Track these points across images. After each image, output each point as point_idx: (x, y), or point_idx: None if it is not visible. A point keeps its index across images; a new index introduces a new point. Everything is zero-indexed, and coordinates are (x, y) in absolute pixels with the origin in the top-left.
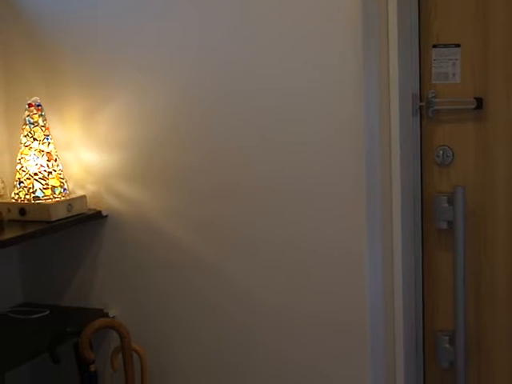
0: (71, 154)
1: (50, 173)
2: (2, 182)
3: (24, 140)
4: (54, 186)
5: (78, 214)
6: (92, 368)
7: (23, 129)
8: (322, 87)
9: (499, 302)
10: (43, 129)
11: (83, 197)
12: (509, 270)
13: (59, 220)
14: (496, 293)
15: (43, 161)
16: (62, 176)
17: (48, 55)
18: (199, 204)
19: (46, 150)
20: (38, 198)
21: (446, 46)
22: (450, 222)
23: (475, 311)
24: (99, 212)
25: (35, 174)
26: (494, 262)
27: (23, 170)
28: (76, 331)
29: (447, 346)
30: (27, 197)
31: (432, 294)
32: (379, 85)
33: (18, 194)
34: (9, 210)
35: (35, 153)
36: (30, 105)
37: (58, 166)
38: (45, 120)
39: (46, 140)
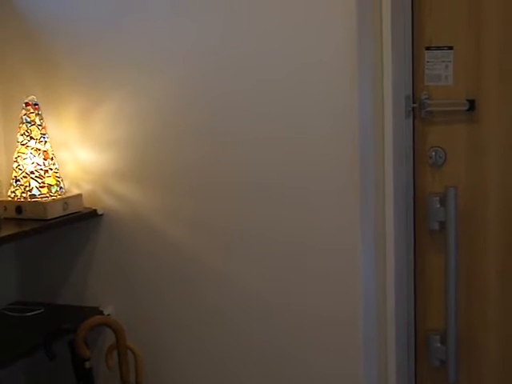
0: (67, 152)
1: (46, 171)
2: None
3: (21, 138)
4: (51, 185)
5: (73, 213)
6: (87, 365)
7: (20, 127)
8: (315, 85)
9: (490, 302)
10: (40, 127)
11: (79, 195)
12: (500, 270)
13: (55, 218)
14: (487, 293)
15: (40, 159)
16: (58, 174)
17: (44, 55)
18: (194, 202)
19: (43, 148)
20: (34, 196)
21: (438, 48)
22: (442, 222)
23: (466, 311)
24: (94, 211)
25: (32, 172)
26: (485, 262)
27: (20, 169)
28: (72, 328)
29: (438, 345)
30: (23, 195)
31: (424, 293)
32: (373, 86)
33: (14, 192)
34: (5, 208)
35: (32, 151)
36: (27, 104)
37: (54, 164)
38: (41, 119)
39: (42, 139)
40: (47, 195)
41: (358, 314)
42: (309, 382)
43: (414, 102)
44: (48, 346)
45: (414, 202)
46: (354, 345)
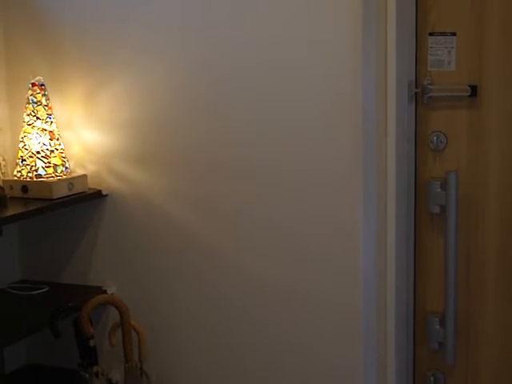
0: (72, 133)
1: (52, 151)
2: (4, 159)
3: (27, 119)
4: (56, 165)
5: (78, 193)
6: (91, 343)
7: (26, 108)
8: (318, 69)
9: (489, 285)
10: (46, 108)
11: (84, 176)
12: (499, 254)
13: (60, 198)
14: (486, 276)
15: (46, 139)
16: (63, 155)
17: (51, 36)
18: (198, 183)
19: (49, 128)
20: (40, 176)
21: (442, 34)
22: (443, 206)
23: (465, 294)
24: (99, 191)
25: (38, 152)
26: (484, 245)
27: (26, 149)
28: (76, 306)
29: (437, 327)
30: (29, 175)
31: (423, 276)
32: (376, 71)
33: (20, 171)
34: (11, 188)
35: (38, 131)
36: (33, 84)
37: (60, 144)
38: (48, 99)
39: (48, 119)
40: (53, 175)
41: (358, 296)
42: (309, 364)
43: (416, 87)
44: (54, 324)
45: (415, 186)
46: (353, 327)
